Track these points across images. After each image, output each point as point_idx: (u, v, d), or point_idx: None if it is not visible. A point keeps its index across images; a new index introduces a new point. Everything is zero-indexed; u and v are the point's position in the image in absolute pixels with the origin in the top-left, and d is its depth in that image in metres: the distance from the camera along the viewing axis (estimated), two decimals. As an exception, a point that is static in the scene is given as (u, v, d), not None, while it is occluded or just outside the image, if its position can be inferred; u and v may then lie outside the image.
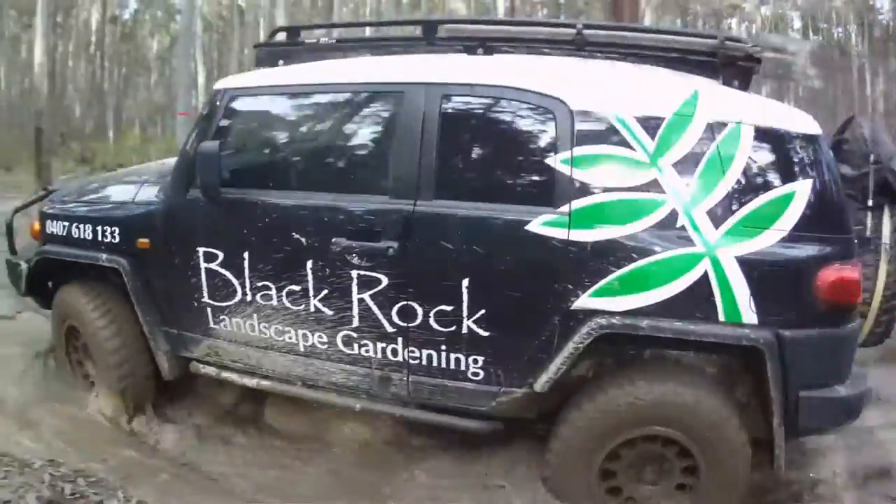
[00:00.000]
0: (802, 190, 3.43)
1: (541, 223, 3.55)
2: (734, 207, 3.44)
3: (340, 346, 4.07)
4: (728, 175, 3.45)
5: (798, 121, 3.54)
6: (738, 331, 3.42)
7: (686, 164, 3.48)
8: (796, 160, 3.49)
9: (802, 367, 3.46)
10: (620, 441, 3.65)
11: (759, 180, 3.48)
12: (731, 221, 3.43)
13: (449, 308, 3.75)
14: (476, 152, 3.94)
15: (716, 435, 3.51)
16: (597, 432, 3.65)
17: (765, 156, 3.50)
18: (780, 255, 3.41)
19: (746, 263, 3.39)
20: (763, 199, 3.45)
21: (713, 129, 3.49)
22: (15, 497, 3.72)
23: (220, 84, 4.54)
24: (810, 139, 3.50)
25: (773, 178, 3.48)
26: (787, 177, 3.46)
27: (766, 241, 3.41)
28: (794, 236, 3.41)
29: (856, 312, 3.61)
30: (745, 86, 3.86)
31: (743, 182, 3.45)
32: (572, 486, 3.75)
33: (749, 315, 3.41)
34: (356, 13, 33.94)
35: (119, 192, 4.87)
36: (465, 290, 3.70)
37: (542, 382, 3.66)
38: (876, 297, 3.98)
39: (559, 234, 3.53)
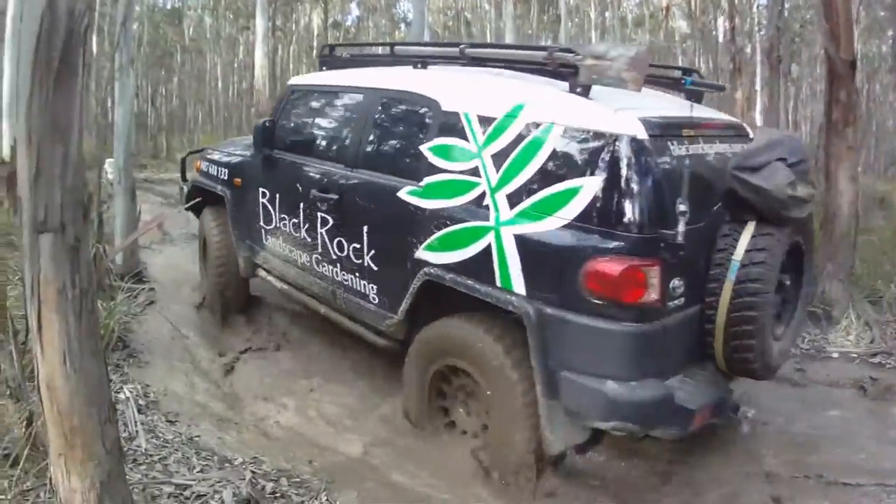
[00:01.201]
0: (590, 185, 3.74)
1: (406, 192, 4.62)
2: (529, 193, 3.98)
3: (314, 265, 5.61)
4: (530, 166, 4.00)
5: (608, 123, 3.80)
6: (508, 297, 4.01)
7: (501, 156, 4.15)
8: (591, 158, 3.79)
9: (565, 348, 3.82)
10: (436, 368, 4.52)
11: (556, 173, 3.91)
12: (523, 205, 3.99)
13: (357, 246, 5.07)
14: (384, 137, 5.13)
15: (496, 375, 4.10)
16: (422, 359, 4.60)
17: (566, 152, 3.90)
18: (553, 240, 3.84)
19: (522, 241, 3.95)
20: (554, 189, 3.88)
21: (530, 127, 4.07)
22: (210, 491, 3.70)
23: (290, 81, 6.75)
24: (610, 141, 3.75)
25: (567, 172, 3.86)
26: (579, 172, 3.81)
27: (547, 226, 3.87)
28: (573, 225, 3.77)
29: (647, 314, 3.69)
30: (586, 91, 4.02)
31: (542, 173, 3.95)
32: (413, 405, 4.72)
33: (519, 286, 3.97)
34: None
35: (233, 148, 6.88)
36: (364, 234, 4.98)
37: (400, 311, 4.74)
38: (719, 315, 3.96)
39: (415, 201, 4.57)
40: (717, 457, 4.62)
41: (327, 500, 3.89)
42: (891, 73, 29.57)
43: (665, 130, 3.89)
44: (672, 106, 4.47)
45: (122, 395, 4.76)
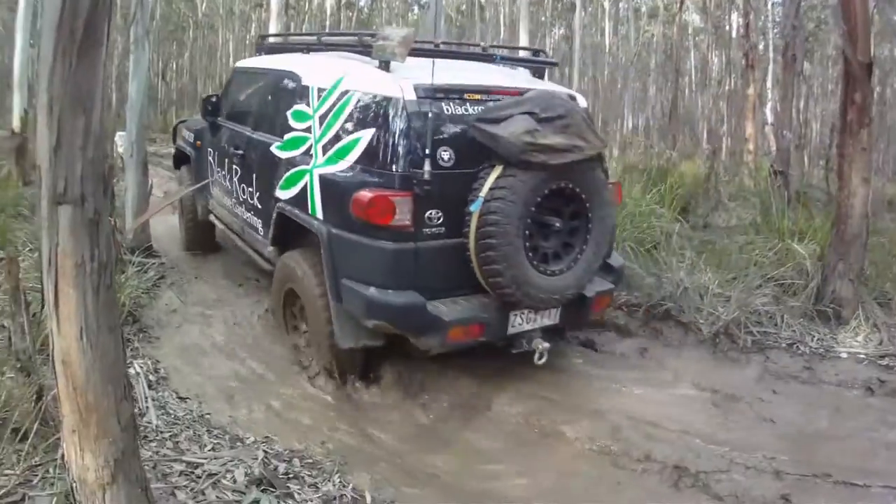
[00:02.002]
0: (366, 136, 4.84)
1: (275, 146, 5.90)
2: (333, 144, 5.12)
3: (233, 207, 7.00)
4: (337, 123, 5.14)
5: (388, 89, 4.82)
6: (314, 221, 5.13)
7: (324, 116, 5.30)
8: (373, 115, 4.87)
9: (344, 261, 4.87)
10: (286, 288, 5.69)
11: (350, 127, 5.02)
12: (329, 153, 5.14)
13: (251, 189, 6.41)
14: (270, 106, 6.31)
15: (309, 292, 5.29)
16: (278, 280, 5.84)
17: (359, 112, 5.00)
18: (338, 178, 4.96)
19: (322, 179, 5.09)
20: (347, 139, 5.00)
21: (342, 95, 5.18)
22: (222, 470, 3.67)
23: (236, 64, 8.53)
24: (384, 102, 4.82)
25: (357, 126, 4.97)
26: (363, 126, 4.91)
27: (337, 168, 5.00)
28: (353, 167, 4.89)
29: (400, 235, 4.62)
30: (386, 66, 4.99)
31: (342, 128, 5.08)
32: (275, 311, 6.08)
33: (319, 213, 5.09)
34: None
35: (198, 119, 8.19)
36: (254, 180, 6.33)
37: (270, 240, 5.90)
38: (471, 243, 4.62)
39: (277, 153, 5.84)
40: (515, 379, 5.43)
41: (341, 481, 3.85)
42: None
43: (434, 94, 4.75)
44: (474, 76, 5.30)
45: (132, 371, 4.73)
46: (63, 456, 2.65)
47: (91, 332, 2.45)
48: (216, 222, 7.77)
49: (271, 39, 8.28)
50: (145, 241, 7.65)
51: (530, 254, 4.72)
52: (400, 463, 4.39)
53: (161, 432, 4.04)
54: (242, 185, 6.58)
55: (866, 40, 6.84)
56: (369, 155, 4.76)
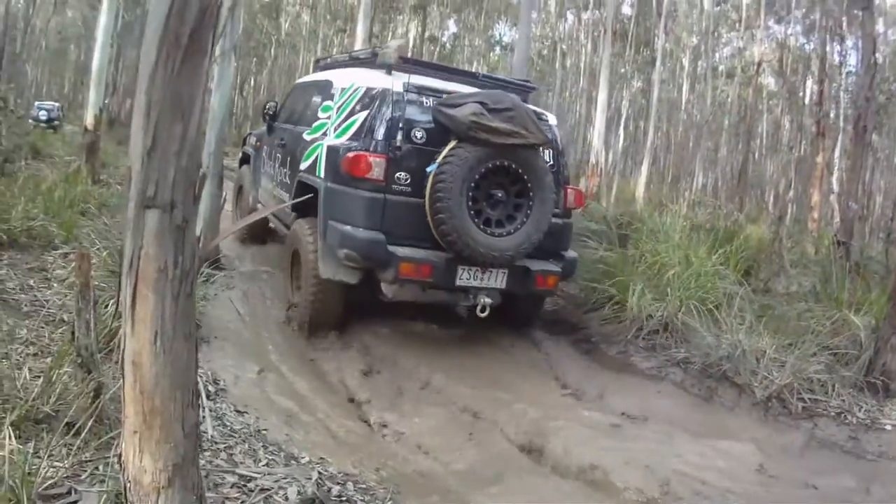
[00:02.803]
0: (361, 117, 6.51)
1: (305, 133, 7.45)
2: (342, 124, 6.75)
3: (275, 191, 8.56)
4: (347, 110, 6.77)
5: (384, 83, 6.54)
6: (318, 180, 6.74)
7: (339, 107, 6.94)
8: (370, 103, 6.54)
9: (333, 207, 6.45)
10: (292, 250, 7.20)
11: (353, 112, 6.68)
12: (337, 131, 6.78)
13: (285, 170, 8.01)
14: (310, 105, 7.91)
15: (305, 248, 6.78)
16: (287, 245, 7.44)
17: (362, 101, 6.65)
18: (337, 146, 6.57)
19: (327, 149, 6.69)
20: (349, 121, 6.65)
21: (354, 90, 6.84)
22: (275, 486, 3.65)
23: (296, 80, 12.43)
24: (379, 92, 6.50)
25: (357, 111, 6.63)
26: (360, 111, 6.59)
27: (340, 140, 6.62)
28: (350, 139, 6.52)
29: (373, 188, 6.24)
30: (389, 70, 6.68)
31: (349, 113, 6.72)
32: (284, 270, 7.55)
33: (322, 173, 6.71)
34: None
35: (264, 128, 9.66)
36: (288, 162, 7.91)
37: (290, 207, 7.28)
38: (426, 202, 6.16)
39: (306, 137, 7.34)
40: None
41: (392, 509, 3.82)
42: None
43: (416, 90, 6.47)
44: (445, 84, 6.77)
45: (197, 378, 4.75)
46: (120, 456, 2.64)
47: (166, 338, 2.45)
48: (260, 208, 9.21)
49: (322, 62, 9.75)
50: (215, 254, 7.77)
51: (472, 212, 6.07)
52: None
53: (216, 443, 4.04)
54: (281, 168, 8.22)
55: None
56: (362, 129, 6.43)
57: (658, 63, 23.85)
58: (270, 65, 36.98)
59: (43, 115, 24.96)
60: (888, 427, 6.10)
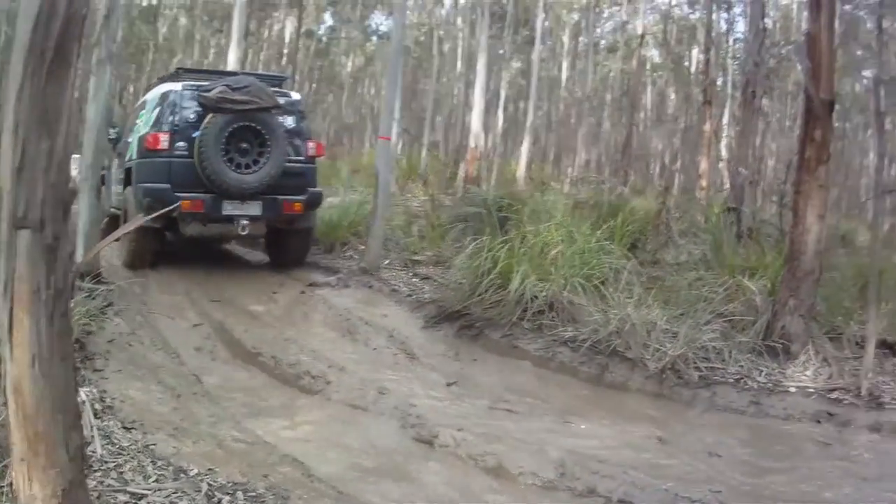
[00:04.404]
0: (155, 111, 9.06)
1: (129, 138, 9.85)
2: (147, 121, 9.16)
3: (118, 189, 10.28)
4: (151, 111, 9.22)
5: (172, 87, 9.04)
6: (133, 161, 9.30)
7: (148, 112, 9.35)
8: (161, 101, 9.06)
9: (139, 172, 8.94)
10: (123, 210, 9.90)
11: (153, 109, 9.14)
12: (146, 125, 9.25)
13: (122, 168, 10.19)
14: (135, 118, 10.19)
15: (129, 205, 9.30)
16: (122, 209, 10.02)
17: (158, 102, 9.12)
18: (142, 132, 9.14)
19: (138, 138, 9.29)
20: (152, 115, 9.09)
21: (155, 98, 9.29)
22: (166, 502, 3.61)
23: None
24: (168, 93, 9.00)
25: (156, 108, 9.07)
26: (157, 107, 9.00)
27: (145, 129, 9.10)
28: (151, 127, 8.99)
29: (163, 155, 8.79)
30: (178, 80, 9.51)
31: (151, 113, 9.18)
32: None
33: (135, 154, 9.21)
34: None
35: None
36: (123, 162, 10.24)
37: (122, 185, 9.98)
38: (195, 158, 8.77)
39: (130, 139, 9.82)
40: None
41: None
42: (862, 114, 29.86)
43: (191, 89, 8.84)
44: (213, 83, 8.88)
45: (78, 399, 4.61)
46: (11, 485, 2.57)
47: (44, 361, 2.39)
48: (114, 210, 10.66)
49: (147, 87, 12.29)
50: (95, 268, 7.52)
51: (226, 160, 8.57)
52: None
53: (106, 462, 3.93)
54: (118, 169, 10.32)
55: (830, 78, 6.91)
56: (157, 119, 8.94)
57: (538, 42, 24.06)
58: (148, 71, 36.04)
59: None
60: (792, 389, 6.24)
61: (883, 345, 6.99)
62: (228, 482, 4.02)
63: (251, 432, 5.01)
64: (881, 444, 5.58)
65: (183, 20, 34.73)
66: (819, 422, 5.77)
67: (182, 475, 4.00)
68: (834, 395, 6.17)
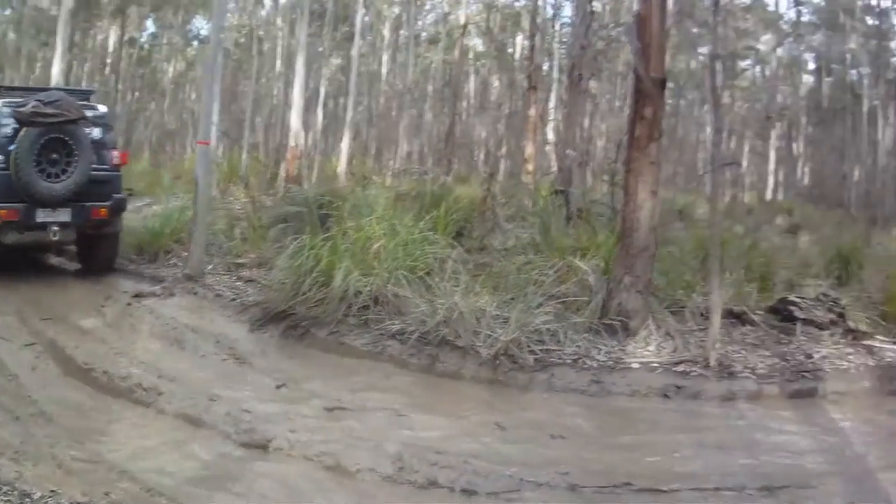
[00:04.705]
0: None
1: None
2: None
3: None
4: None
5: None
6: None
7: None
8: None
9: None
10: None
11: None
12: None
13: None
14: None
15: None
16: None
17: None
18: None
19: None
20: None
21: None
22: None
23: None
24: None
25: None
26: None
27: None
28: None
29: None
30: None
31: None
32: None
33: None
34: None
35: None
36: None
37: None
38: (10, 168, 8.82)
39: None
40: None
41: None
42: (698, 90, 30.99)
43: (9, 106, 8.84)
44: (27, 100, 8.92)
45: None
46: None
47: None
48: None
49: None
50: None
51: (38, 170, 8.74)
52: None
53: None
54: None
55: (660, 57, 7.09)
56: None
57: (357, 37, 23.86)
58: (-25, 87, 33.94)
59: None
60: (635, 365, 6.37)
61: (730, 314, 7.25)
62: (70, 503, 3.87)
63: (89, 450, 4.81)
64: (734, 412, 5.80)
65: (12, 35, 32.91)
66: (667, 396, 5.93)
67: (27, 499, 3.82)
68: (680, 367, 6.33)
